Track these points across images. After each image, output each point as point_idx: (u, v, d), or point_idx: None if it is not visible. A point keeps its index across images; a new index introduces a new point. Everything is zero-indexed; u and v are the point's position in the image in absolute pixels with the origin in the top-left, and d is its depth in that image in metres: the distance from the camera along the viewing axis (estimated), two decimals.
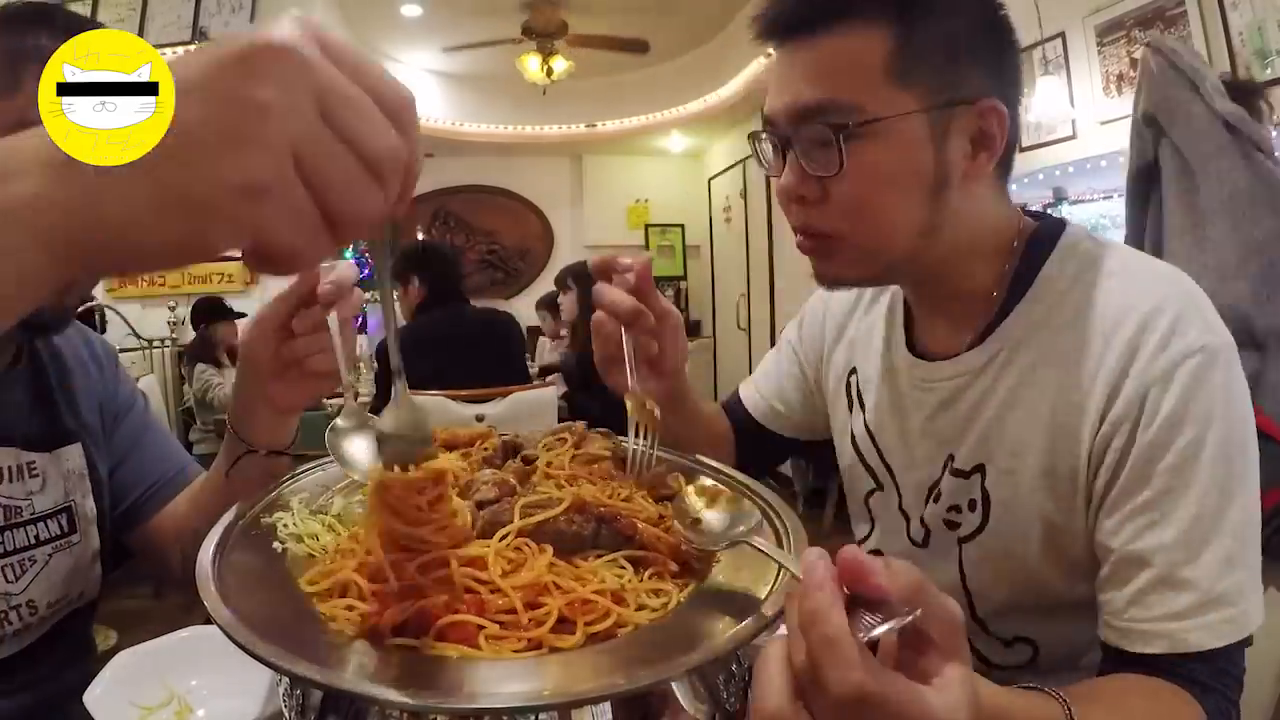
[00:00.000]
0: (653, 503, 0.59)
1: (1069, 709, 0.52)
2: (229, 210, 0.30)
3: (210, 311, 4.14)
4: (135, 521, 0.90)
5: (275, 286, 0.84)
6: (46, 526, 0.79)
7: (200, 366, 3.87)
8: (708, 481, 0.63)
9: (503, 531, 0.52)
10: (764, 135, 0.73)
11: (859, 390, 0.90)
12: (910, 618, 0.35)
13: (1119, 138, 4.58)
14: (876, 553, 0.45)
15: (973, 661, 0.41)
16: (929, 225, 0.69)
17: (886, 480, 0.86)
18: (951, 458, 0.77)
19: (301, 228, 0.32)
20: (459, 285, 2.92)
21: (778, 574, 0.50)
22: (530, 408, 2.64)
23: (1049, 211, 6.52)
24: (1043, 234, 0.74)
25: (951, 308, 0.77)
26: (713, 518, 0.54)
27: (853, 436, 0.90)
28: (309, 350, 0.71)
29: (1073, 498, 0.68)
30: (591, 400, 2.82)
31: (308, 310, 0.71)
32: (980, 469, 0.74)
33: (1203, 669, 0.60)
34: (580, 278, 3.30)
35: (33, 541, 0.78)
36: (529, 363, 3.55)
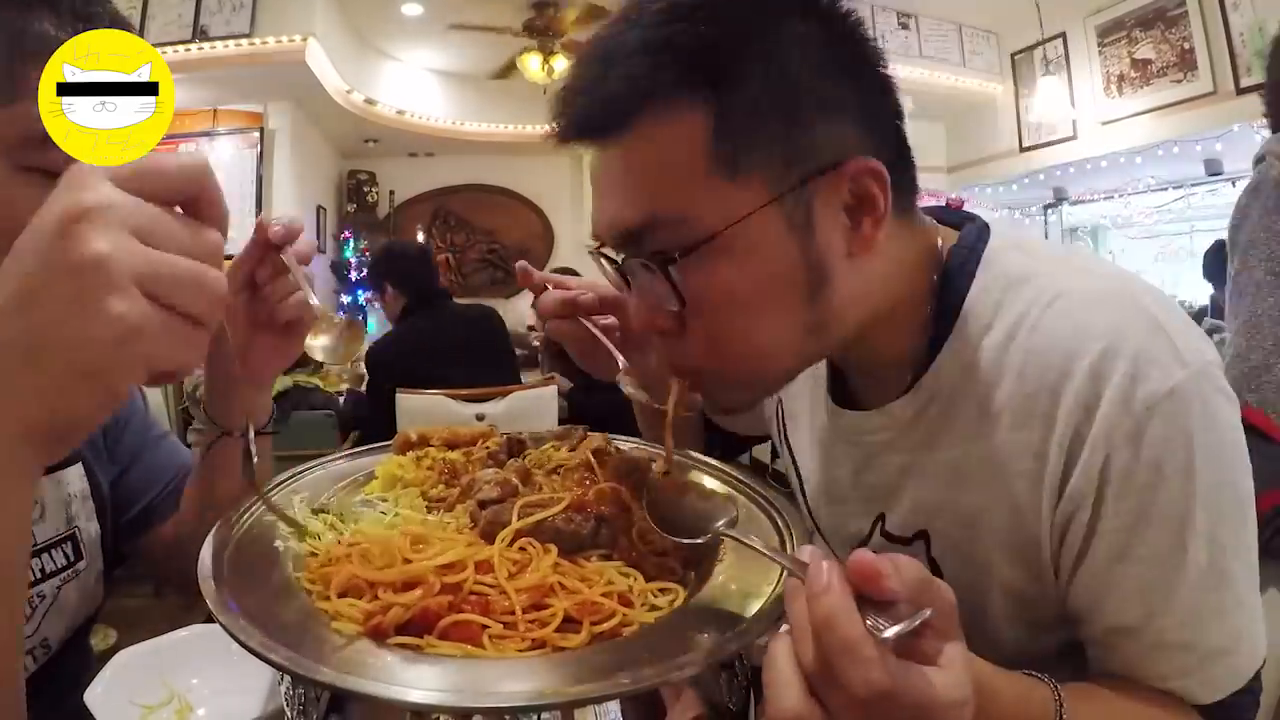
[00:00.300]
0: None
1: (1057, 692, 0.51)
2: (120, 361, 0.35)
3: None
4: (142, 529, 0.87)
5: None
6: (51, 558, 0.75)
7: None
8: (683, 473, 0.63)
9: (504, 534, 0.52)
10: (598, 254, 0.61)
11: (784, 425, 0.82)
12: (921, 619, 0.37)
13: (1119, 138, 4.59)
14: None
15: None
16: (813, 324, 0.56)
17: (814, 528, 0.78)
18: (882, 518, 0.68)
19: (180, 340, 0.37)
20: (435, 283, 2.85)
21: (780, 574, 0.50)
22: (531, 407, 2.64)
23: (1048, 210, 6.32)
24: (961, 256, 0.61)
25: (873, 367, 0.67)
26: (685, 507, 0.54)
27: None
28: (280, 296, 0.67)
29: (1039, 567, 0.59)
30: (591, 400, 2.82)
31: (268, 258, 0.68)
32: (923, 536, 0.65)
33: (1211, 708, 0.57)
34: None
35: (38, 576, 0.73)
36: (539, 361, 3.50)
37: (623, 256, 0.57)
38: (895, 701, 0.36)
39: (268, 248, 0.67)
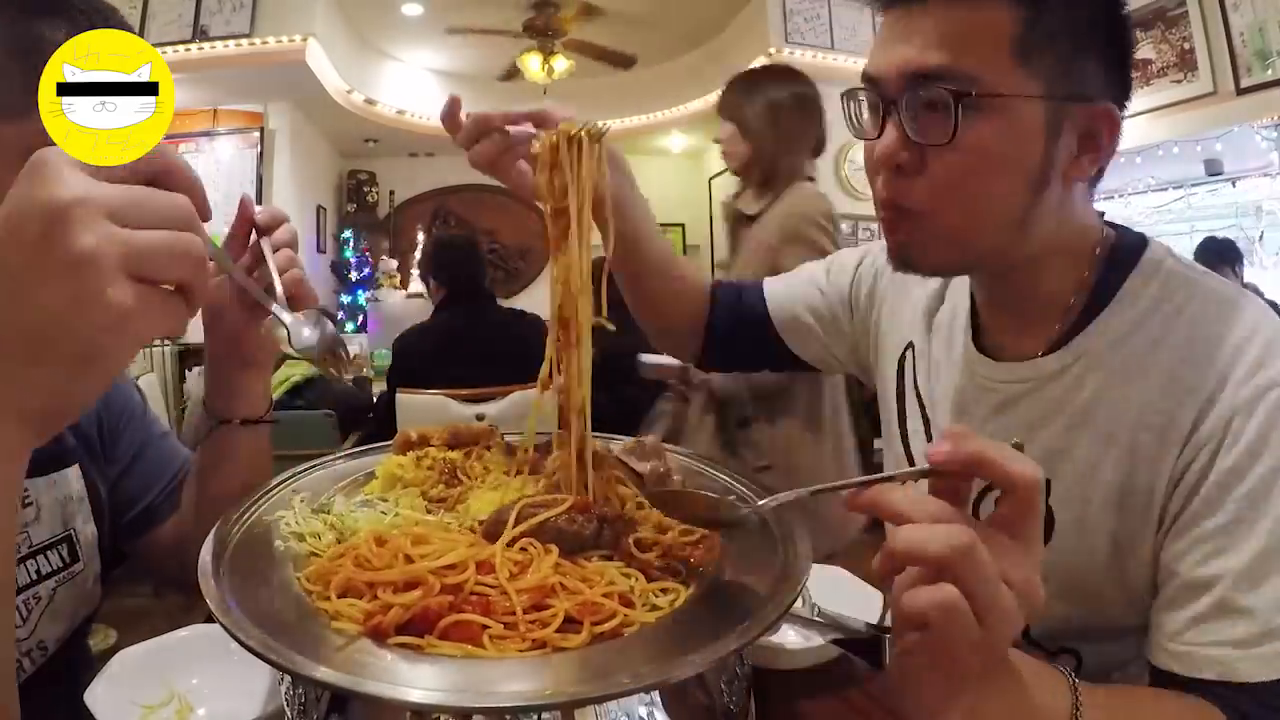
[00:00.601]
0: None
1: (1073, 680, 0.52)
2: (117, 344, 0.38)
3: None
4: (144, 529, 0.87)
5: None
6: (47, 559, 0.74)
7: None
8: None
9: (506, 537, 0.52)
10: (861, 95, 0.69)
11: (913, 366, 0.87)
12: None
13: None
14: None
15: None
16: (1022, 219, 0.66)
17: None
18: None
19: (169, 314, 0.39)
20: (480, 282, 2.81)
21: (780, 574, 0.50)
22: (531, 406, 2.63)
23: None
24: (1125, 247, 0.71)
25: (1025, 308, 0.73)
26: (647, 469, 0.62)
27: (902, 404, 0.87)
28: (264, 282, 0.69)
29: (1145, 519, 0.65)
30: (607, 400, 2.80)
31: (254, 241, 0.70)
32: (1045, 484, 0.70)
33: (1249, 701, 0.57)
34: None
35: (34, 577, 0.73)
36: None
37: (903, 94, 0.64)
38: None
39: (250, 224, 0.68)
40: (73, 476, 0.78)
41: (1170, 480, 0.64)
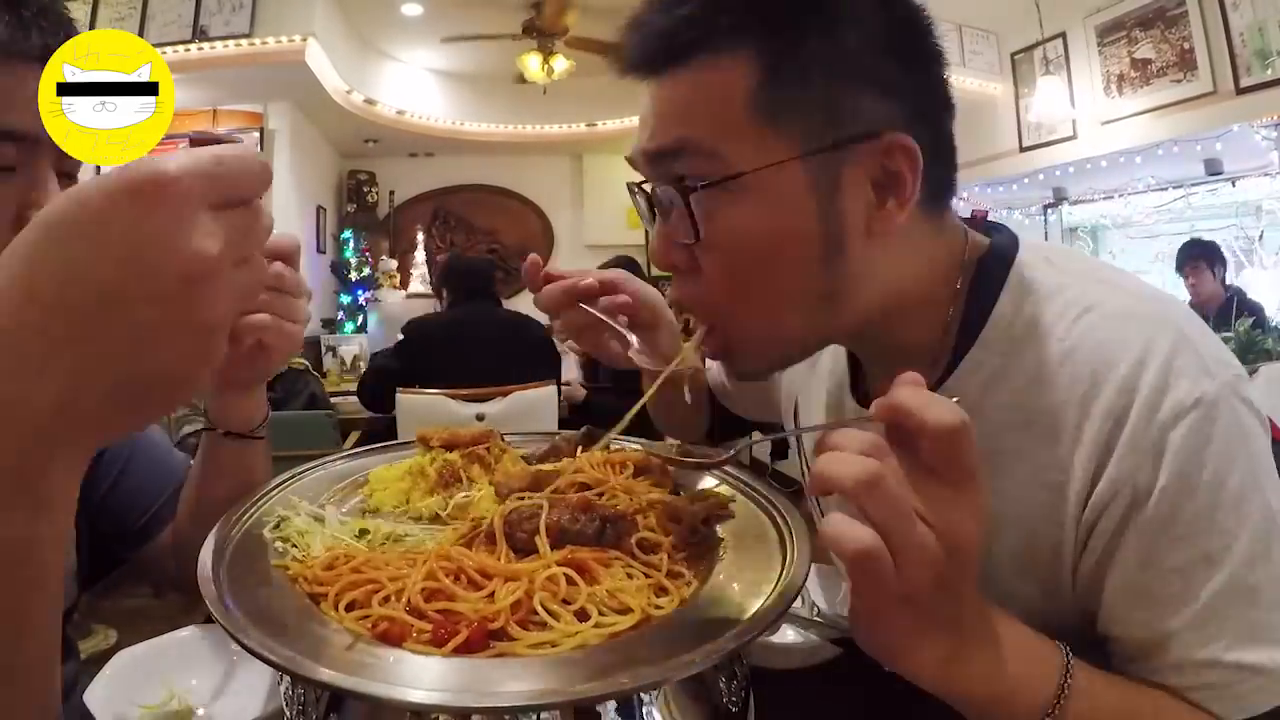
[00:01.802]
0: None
1: (1068, 662, 0.50)
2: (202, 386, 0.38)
3: None
4: (146, 538, 0.86)
5: None
6: None
7: None
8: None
9: (543, 569, 0.49)
10: (636, 187, 0.62)
11: (796, 419, 0.83)
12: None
13: (1119, 138, 4.59)
14: None
15: None
16: (830, 291, 0.57)
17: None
18: None
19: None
20: (485, 289, 2.98)
21: (780, 574, 0.50)
22: (531, 407, 2.64)
23: (1048, 210, 6.32)
24: (992, 264, 0.62)
25: (892, 359, 0.63)
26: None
27: (802, 456, 0.81)
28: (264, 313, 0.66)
29: (1056, 583, 0.58)
30: (615, 401, 2.81)
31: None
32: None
33: None
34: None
35: None
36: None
37: (651, 186, 0.59)
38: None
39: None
40: None
41: (1078, 543, 0.56)
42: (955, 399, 0.57)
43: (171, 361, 0.35)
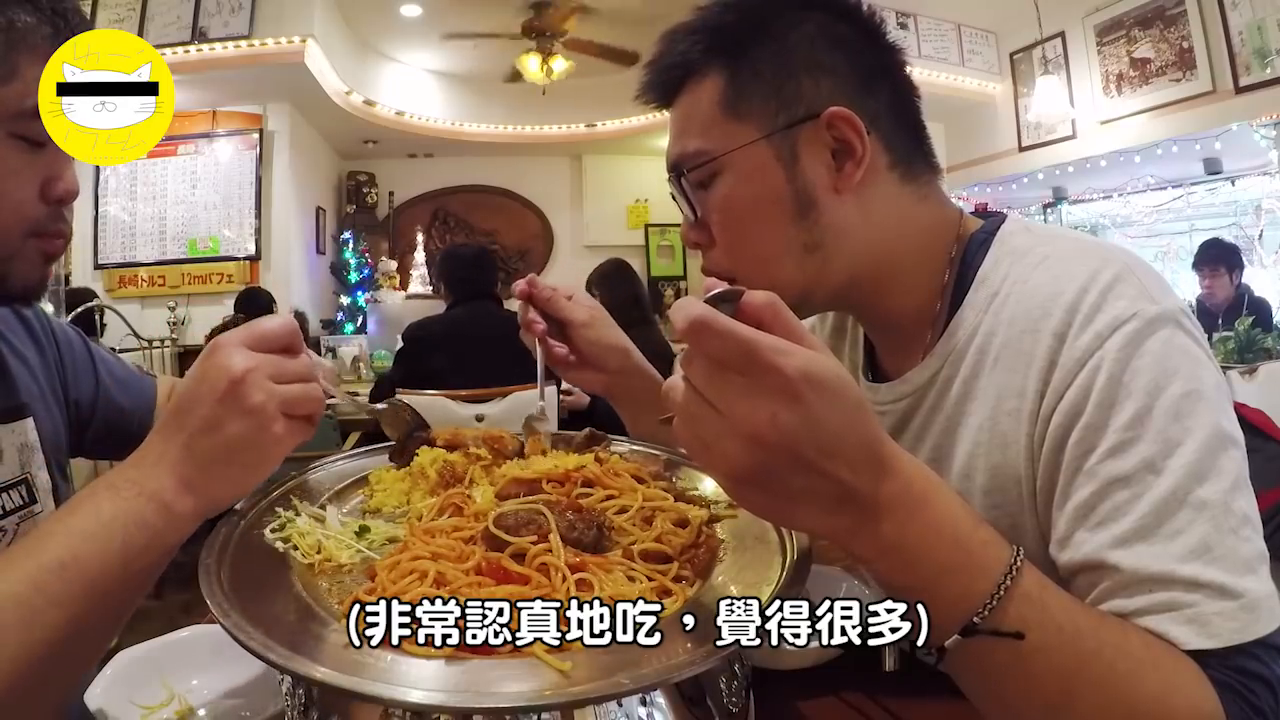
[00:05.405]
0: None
1: (1017, 557, 0.46)
2: (278, 454, 0.57)
3: (250, 303, 4.06)
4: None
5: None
6: (10, 498, 0.80)
7: None
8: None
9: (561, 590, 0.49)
10: (674, 194, 0.76)
11: None
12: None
13: (1119, 137, 4.59)
14: None
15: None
16: (811, 242, 0.67)
17: None
18: None
19: (302, 432, 0.59)
20: (485, 286, 2.92)
21: (780, 574, 0.50)
22: (531, 407, 2.63)
23: (1048, 209, 6.33)
24: (981, 235, 0.69)
25: (897, 326, 0.73)
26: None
27: None
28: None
29: (1019, 514, 0.60)
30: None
31: None
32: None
33: (1215, 663, 0.48)
34: (605, 278, 3.23)
35: None
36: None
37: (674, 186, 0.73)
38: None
39: None
40: (29, 427, 0.84)
41: (1034, 463, 0.59)
42: (946, 358, 0.67)
43: (238, 433, 0.54)
